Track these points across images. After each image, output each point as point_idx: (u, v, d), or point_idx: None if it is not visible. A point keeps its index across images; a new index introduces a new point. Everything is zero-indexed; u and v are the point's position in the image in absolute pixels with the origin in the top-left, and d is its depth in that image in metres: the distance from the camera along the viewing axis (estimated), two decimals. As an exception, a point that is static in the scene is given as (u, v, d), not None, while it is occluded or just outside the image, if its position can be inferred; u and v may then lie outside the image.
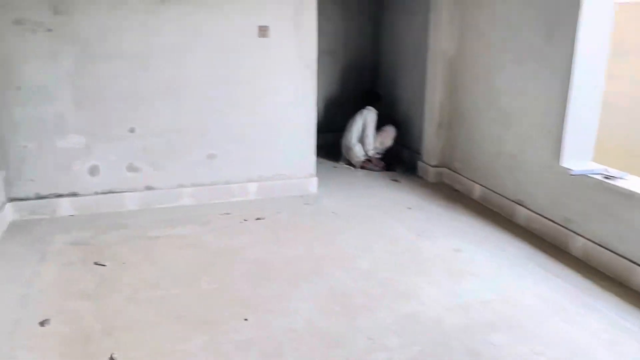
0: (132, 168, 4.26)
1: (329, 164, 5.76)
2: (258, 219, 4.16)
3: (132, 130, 4.19)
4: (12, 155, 3.99)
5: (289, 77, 4.45)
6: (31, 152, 4.02)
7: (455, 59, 4.90)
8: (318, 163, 4.87)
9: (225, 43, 4.22)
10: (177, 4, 4.05)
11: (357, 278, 3.22)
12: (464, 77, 4.79)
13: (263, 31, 4.28)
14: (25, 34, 3.81)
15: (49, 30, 3.85)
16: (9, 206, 4.02)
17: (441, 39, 4.88)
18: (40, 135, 4.01)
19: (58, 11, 3.83)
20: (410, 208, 4.47)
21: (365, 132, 5.63)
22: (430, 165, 5.22)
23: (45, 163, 4.07)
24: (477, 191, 4.64)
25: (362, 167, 5.62)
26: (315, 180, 4.76)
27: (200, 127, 4.34)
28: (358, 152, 5.60)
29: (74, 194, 4.18)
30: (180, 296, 3.01)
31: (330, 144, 5.95)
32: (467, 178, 4.79)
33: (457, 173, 4.96)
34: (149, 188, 4.33)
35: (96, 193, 4.23)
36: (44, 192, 4.11)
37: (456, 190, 4.93)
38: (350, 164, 5.72)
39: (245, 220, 4.13)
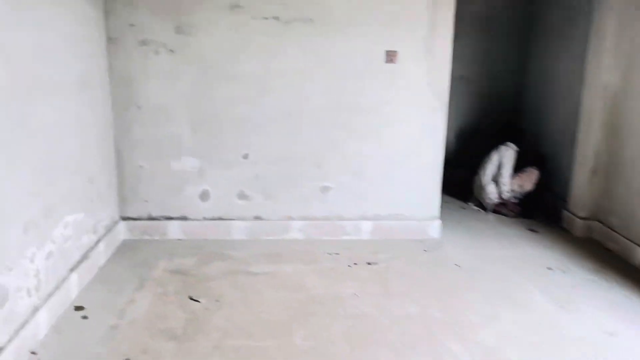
0: (242, 196, 4.06)
1: (457, 204, 5.17)
2: (369, 263, 3.72)
3: (245, 157, 4.00)
4: (129, 174, 3.99)
5: (416, 108, 3.99)
6: (146, 172, 3.98)
7: (619, 94, 4.10)
8: (443, 202, 4.33)
9: (348, 68, 3.89)
10: (300, 26, 3.79)
11: (478, 356, 2.65)
12: (630, 116, 3.98)
13: (391, 56, 3.88)
14: (149, 54, 3.79)
15: (171, 51, 3.79)
16: (122, 225, 4.01)
17: (602, 70, 4.12)
18: (156, 156, 3.96)
19: (181, 32, 3.76)
20: (550, 269, 3.75)
21: (501, 171, 4.95)
22: (577, 217, 4.42)
23: (159, 184, 4.01)
24: (638, 256, 3.79)
25: (495, 211, 4.95)
26: (438, 223, 4.22)
27: (316, 157, 4.03)
28: (491, 193, 4.94)
29: (184, 218, 4.07)
30: (270, 350, 2.66)
31: (460, 181, 5.35)
32: (626, 238, 3.94)
33: (613, 230, 4.12)
34: (257, 218, 4.10)
35: (205, 219, 4.08)
36: (155, 214, 4.05)
37: (609, 251, 4.09)
38: (481, 205, 5.07)
39: (354, 263, 3.72)
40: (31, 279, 2.65)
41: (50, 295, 2.85)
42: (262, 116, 3.93)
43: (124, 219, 4.04)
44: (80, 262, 3.25)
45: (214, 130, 3.94)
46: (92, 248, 3.45)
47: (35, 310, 2.67)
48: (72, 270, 3.13)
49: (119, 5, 3.70)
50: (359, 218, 4.16)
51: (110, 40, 3.75)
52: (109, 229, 3.79)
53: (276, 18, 3.78)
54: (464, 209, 5.06)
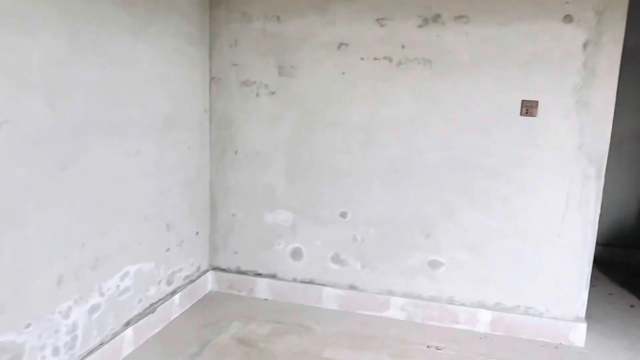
0: (337, 259, 3.52)
1: (615, 297, 3.97)
2: (476, 369, 2.90)
3: (343, 215, 3.46)
4: (221, 222, 3.71)
5: (560, 173, 3.08)
6: (239, 221, 3.67)
7: None
8: (593, 293, 3.29)
9: (470, 120, 3.16)
10: (416, 68, 3.19)
11: None
12: None
13: (529, 107, 3.06)
14: (249, 96, 3.50)
15: (272, 92, 3.46)
16: (210, 275, 3.74)
17: None
18: (249, 205, 3.63)
19: (283, 72, 3.41)
20: None
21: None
22: None
23: (251, 236, 3.66)
24: None
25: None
26: (582, 327, 3.19)
27: (425, 223, 3.33)
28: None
29: (273, 276, 3.65)
30: None
31: (622, 266, 4.13)
32: None
33: None
34: (352, 287, 3.52)
35: (295, 280, 3.62)
36: (244, 267, 3.71)
37: None
38: (660, 305, 3.83)
39: (455, 366, 2.92)
40: (62, 336, 2.43)
41: (91, 352, 2.61)
42: (365, 170, 3.38)
43: (214, 269, 3.77)
44: (141, 316, 3.00)
45: (310, 182, 3.49)
46: (162, 301, 3.20)
47: (61, 370, 2.43)
48: (127, 325, 2.89)
49: (224, 44, 3.50)
50: (475, 305, 3.33)
51: (214, 80, 3.55)
52: (191, 280, 3.53)
53: (388, 59, 3.23)
54: (633, 307, 3.86)
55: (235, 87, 3.52)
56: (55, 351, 2.39)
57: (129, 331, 2.89)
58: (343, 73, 3.31)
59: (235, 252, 3.71)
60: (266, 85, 3.46)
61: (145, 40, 2.84)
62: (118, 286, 2.80)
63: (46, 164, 2.25)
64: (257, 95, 3.48)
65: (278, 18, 3.36)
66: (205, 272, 3.71)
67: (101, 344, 2.69)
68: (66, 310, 2.44)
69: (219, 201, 3.69)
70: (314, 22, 3.31)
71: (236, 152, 3.59)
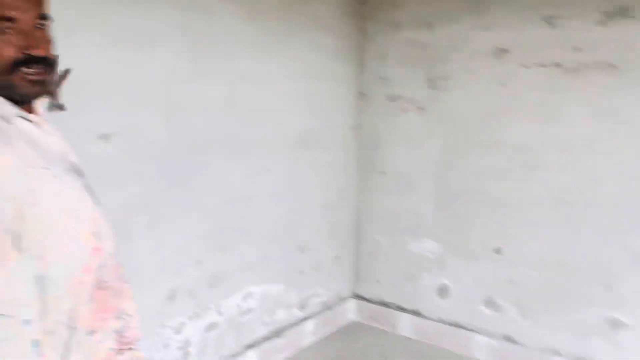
0: (490, 303, 2.99)
1: None
2: None
3: (497, 251, 2.93)
4: (365, 247, 3.46)
5: None
6: (383, 248, 3.37)
7: None
8: None
9: (672, 140, 2.40)
10: (594, 76, 2.54)
11: None
12: None
13: None
14: (396, 112, 3.21)
15: (420, 108, 3.11)
16: (352, 303, 3.51)
17: None
18: (394, 231, 3.31)
19: (432, 85, 3.04)
20: None
21: None
22: None
23: (395, 265, 3.33)
24: None
25: None
26: None
27: (604, 271, 2.62)
28: None
29: (417, 313, 3.26)
30: None
31: None
32: None
33: None
34: (508, 338, 2.94)
35: (441, 320, 3.17)
36: (387, 299, 3.39)
37: None
38: None
39: None
40: (172, 351, 2.43)
41: (206, 370, 2.59)
42: (526, 200, 2.80)
43: (357, 297, 3.52)
44: (266, 339, 2.90)
45: (460, 210, 3.03)
46: (292, 325, 3.06)
47: (171, 386, 2.43)
48: (250, 347, 2.80)
49: (372, 58, 3.27)
50: (673, 386, 2.50)
51: (361, 95, 3.35)
52: (329, 306, 3.34)
53: (558, 65, 2.64)
54: None
55: (382, 102, 3.26)
56: (165, 366, 2.40)
57: (252, 353, 2.80)
58: (502, 84, 2.81)
59: (378, 281, 3.42)
60: (414, 100, 3.13)
61: (279, 56, 2.76)
62: (239, 306, 2.73)
63: (161, 179, 2.28)
64: (405, 111, 3.17)
65: (429, 25, 3.02)
66: (346, 299, 3.48)
67: (218, 364, 2.65)
68: (178, 325, 2.44)
69: (363, 225, 3.45)
70: (468, 26, 2.88)
71: (383, 174, 3.31)
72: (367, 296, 3.47)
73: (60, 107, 1.37)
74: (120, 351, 1.22)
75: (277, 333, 2.97)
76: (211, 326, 2.59)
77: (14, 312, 0.97)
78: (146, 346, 2.25)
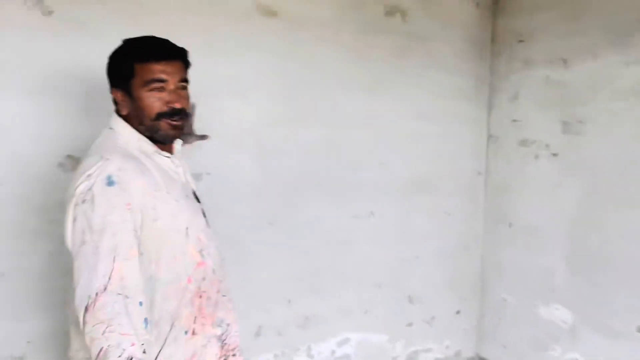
0: (633, 393, 2.45)
1: None
2: None
3: (643, 331, 2.40)
4: (490, 305, 3.12)
5: None
6: (510, 308, 3.00)
7: None
8: None
9: None
10: None
11: None
12: None
13: None
14: (527, 158, 2.87)
15: (554, 155, 2.74)
16: (475, 365, 3.19)
17: None
18: (522, 291, 2.93)
19: (567, 129, 2.66)
20: None
21: None
22: None
23: (522, 329, 2.94)
24: None
25: None
26: None
27: None
28: None
29: (546, 389, 2.82)
30: None
31: None
32: None
33: None
34: None
35: (572, 404, 2.69)
36: (512, 368, 3.00)
37: None
38: None
39: None
40: (257, 387, 2.48)
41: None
42: (680, 272, 2.26)
43: (481, 359, 3.19)
44: (364, 391, 2.79)
45: (598, 275, 2.56)
46: (397, 380, 2.90)
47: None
48: (343, 396, 2.73)
49: (503, 99, 2.99)
50: None
51: (491, 139, 3.08)
52: (445, 365, 3.08)
53: None
54: None
55: (513, 147, 2.95)
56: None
57: (345, 404, 2.72)
58: (650, 127, 2.35)
59: (504, 346, 3.04)
60: (547, 146, 2.77)
61: (390, 98, 2.70)
62: (334, 352, 2.68)
63: (251, 217, 2.38)
64: (537, 157, 2.82)
65: (564, 62, 2.66)
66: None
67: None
68: (265, 363, 2.49)
69: (489, 280, 3.12)
70: (610, 62, 2.47)
71: (510, 225, 2.98)
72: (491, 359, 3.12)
73: (204, 137, 1.79)
74: (224, 356, 1.47)
75: (378, 387, 2.83)
76: (297, 369, 2.59)
77: (134, 295, 1.23)
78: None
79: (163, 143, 1.44)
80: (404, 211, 2.83)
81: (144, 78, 1.37)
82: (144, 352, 1.21)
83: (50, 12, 1.87)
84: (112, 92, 1.42)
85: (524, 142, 2.88)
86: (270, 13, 2.33)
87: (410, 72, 2.75)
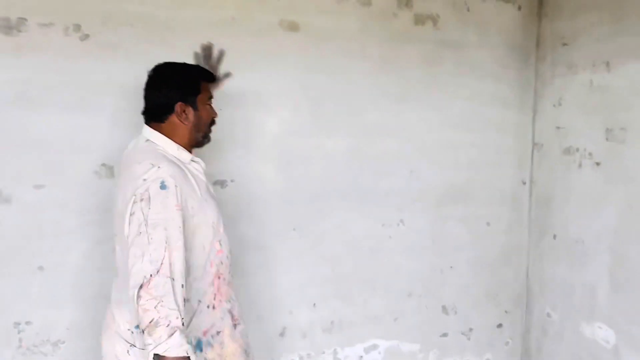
0: (678, 423, 2.25)
1: None
2: None
3: (688, 356, 2.20)
4: (535, 320, 2.99)
5: None
6: (554, 325, 2.86)
7: None
8: None
9: None
10: None
11: None
12: None
13: None
14: (571, 167, 2.73)
15: (597, 163, 2.58)
16: (521, 382, 3.07)
17: None
18: (565, 306, 2.78)
19: (611, 137, 2.50)
20: None
21: None
22: None
23: (565, 347, 2.79)
24: None
25: None
26: None
27: None
28: None
29: (590, 413, 2.66)
30: None
31: None
32: None
33: None
34: None
35: None
36: (557, 387, 2.85)
37: None
38: None
39: None
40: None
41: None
42: None
43: (527, 376, 3.06)
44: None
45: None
46: (430, 390, 2.87)
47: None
48: (372, 402, 2.75)
49: (547, 105, 2.87)
50: None
51: (536, 147, 2.96)
52: (485, 379, 3.00)
53: None
54: None
55: (557, 155, 2.82)
56: (273, 399, 2.57)
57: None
58: (696, 136, 2.16)
59: (549, 364, 2.91)
60: (590, 154, 2.62)
61: (420, 107, 2.70)
62: (361, 357, 2.72)
63: (275, 223, 2.49)
64: (580, 166, 2.68)
65: (607, 65, 2.52)
66: (512, 377, 3.06)
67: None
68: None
69: (534, 294, 3.00)
70: (653, 64, 2.31)
71: (555, 237, 2.84)
72: (539, 378, 2.98)
73: (229, 75, 2.16)
74: (234, 325, 1.81)
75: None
76: (326, 375, 2.65)
77: (178, 279, 1.53)
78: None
79: (201, 146, 1.86)
80: (437, 220, 2.80)
81: (207, 95, 1.80)
82: (183, 324, 1.50)
83: (86, 36, 2.11)
84: (178, 106, 1.71)
85: (567, 150, 2.75)
86: (293, 28, 2.43)
87: (443, 80, 2.73)
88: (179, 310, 1.50)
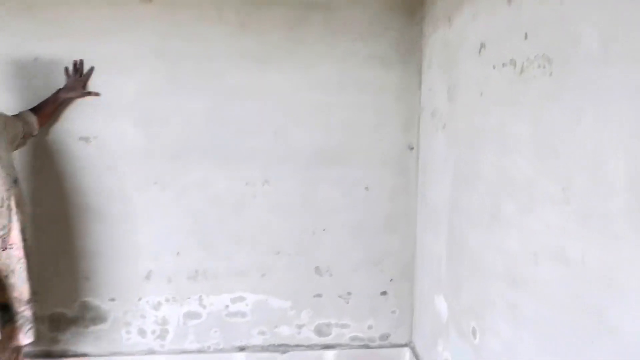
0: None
1: None
2: None
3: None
4: (416, 291, 2.87)
5: None
6: (424, 298, 2.74)
7: None
8: None
9: None
10: None
11: None
12: None
13: None
14: (435, 131, 2.57)
15: (443, 126, 2.41)
16: (408, 353, 2.99)
17: None
18: (430, 279, 2.65)
19: (450, 97, 2.32)
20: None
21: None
22: None
23: (427, 320, 2.67)
24: None
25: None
26: None
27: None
28: None
29: (438, 388, 2.54)
30: None
31: None
32: None
33: None
34: None
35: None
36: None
37: None
38: None
39: None
40: (150, 324, 2.87)
41: (185, 352, 2.91)
42: None
43: (412, 347, 2.97)
44: (264, 349, 2.94)
45: (463, 267, 2.22)
46: (301, 347, 2.96)
47: None
48: (242, 350, 2.93)
49: (426, 66, 2.70)
50: None
51: (422, 110, 2.80)
52: (367, 345, 2.98)
53: None
54: None
55: (428, 119, 2.66)
56: (142, 332, 2.88)
57: (241, 356, 2.92)
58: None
59: (422, 336, 2.79)
60: (441, 115, 2.45)
61: (285, 69, 2.75)
62: (227, 306, 2.90)
63: (136, 177, 2.76)
64: (437, 129, 2.51)
65: (449, 20, 2.33)
66: (399, 346, 2.99)
67: (200, 351, 2.91)
68: (156, 304, 2.86)
69: (417, 264, 2.88)
70: (467, 14, 2.10)
71: (427, 205, 2.70)
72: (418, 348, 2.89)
73: (92, 69, 2.61)
74: (3, 248, 2.12)
75: (282, 349, 2.94)
76: (191, 314, 2.88)
77: None
78: (123, 310, 2.81)
79: None
80: (307, 182, 2.83)
81: None
82: None
83: None
84: None
85: (434, 113, 2.59)
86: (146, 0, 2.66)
87: (310, 42, 2.73)
88: None
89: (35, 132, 2.54)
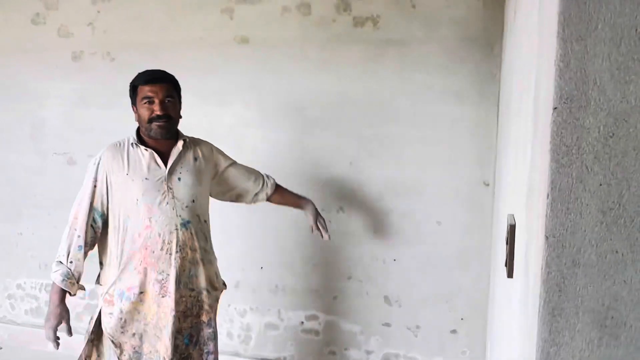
0: None
1: None
2: None
3: None
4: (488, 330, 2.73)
5: None
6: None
7: None
8: None
9: None
10: None
11: None
12: None
13: None
14: (497, 169, 2.45)
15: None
16: None
17: None
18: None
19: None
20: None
21: None
22: None
23: None
24: None
25: None
26: None
27: None
28: None
29: None
30: None
31: None
32: None
33: None
34: None
35: None
36: None
37: None
38: None
39: None
40: (236, 328, 3.21)
41: (267, 360, 3.19)
42: None
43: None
44: (333, 368, 3.08)
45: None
46: (369, 373, 3.02)
47: None
48: (313, 365, 3.12)
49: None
50: None
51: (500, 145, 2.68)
52: None
53: None
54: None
55: (498, 155, 2.54)
56: (229, 335, 3.23)
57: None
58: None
59: (487, 383, 2.65)
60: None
61: (358, 103, 2.88)
62: (302, 323, 3.10)
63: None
64: (498, 167, 2.40)
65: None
66: (469, 389, 2.87)
67: (277, 361, 3.16)
68: (242, 311, 3.20)
69: (490, 302, 2.74)
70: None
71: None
72: (484, 396, 2.74)
73: None
74: (162, 295, 2.14)
75: (349, 370, 3.04)
76: (270, 325, 3.16)
77: (77, 228, 2.14)
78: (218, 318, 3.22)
79: (158, 137, 2.15)
80: (378, 212, 2.91)
81: (141, 96, 2.12)
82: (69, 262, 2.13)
83: (112, 59, 3.22)
84: (133, 108, 2.22)
85: (499, 150, 2.48)
86: (244, 41, 3.02)
87: (384, 76, 2.82)
88: (67, 251, 2.08)
89: (264, 201, 2.58)
